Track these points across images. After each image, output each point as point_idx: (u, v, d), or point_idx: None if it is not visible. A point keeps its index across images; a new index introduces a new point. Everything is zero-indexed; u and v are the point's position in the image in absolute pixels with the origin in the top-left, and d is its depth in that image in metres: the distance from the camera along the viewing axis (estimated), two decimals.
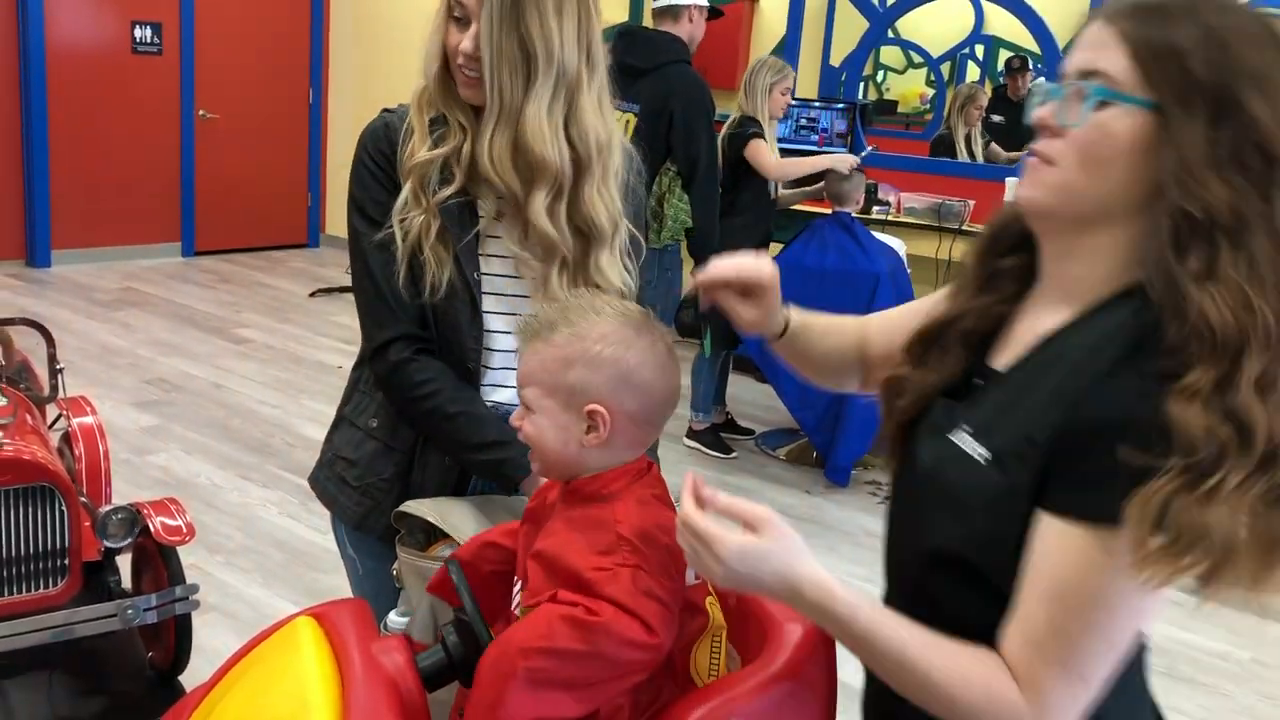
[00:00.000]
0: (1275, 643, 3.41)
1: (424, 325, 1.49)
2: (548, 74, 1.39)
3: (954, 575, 1.02)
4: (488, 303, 1.50)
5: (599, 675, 1.03)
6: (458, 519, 1.40)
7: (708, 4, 4.11)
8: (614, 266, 1.49)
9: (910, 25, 6.20)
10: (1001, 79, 6.20)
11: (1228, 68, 0.91)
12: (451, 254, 1.45)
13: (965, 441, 1.02)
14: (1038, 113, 1.00)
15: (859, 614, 0.97)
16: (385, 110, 1.55)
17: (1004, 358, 1.06)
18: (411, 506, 1.43)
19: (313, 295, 6.96)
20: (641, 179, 1.60)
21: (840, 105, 5.79)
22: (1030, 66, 5.93)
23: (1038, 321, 1.04)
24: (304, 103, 8.29)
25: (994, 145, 5.96)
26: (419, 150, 1.45)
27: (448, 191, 1.45)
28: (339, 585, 1.34)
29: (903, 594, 1.12)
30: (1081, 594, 0.92)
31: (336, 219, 8.30)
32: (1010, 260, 1.10)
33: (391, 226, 1.46)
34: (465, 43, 1.40)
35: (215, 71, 7.66)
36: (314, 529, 3.66)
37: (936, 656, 0.96)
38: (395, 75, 7.68)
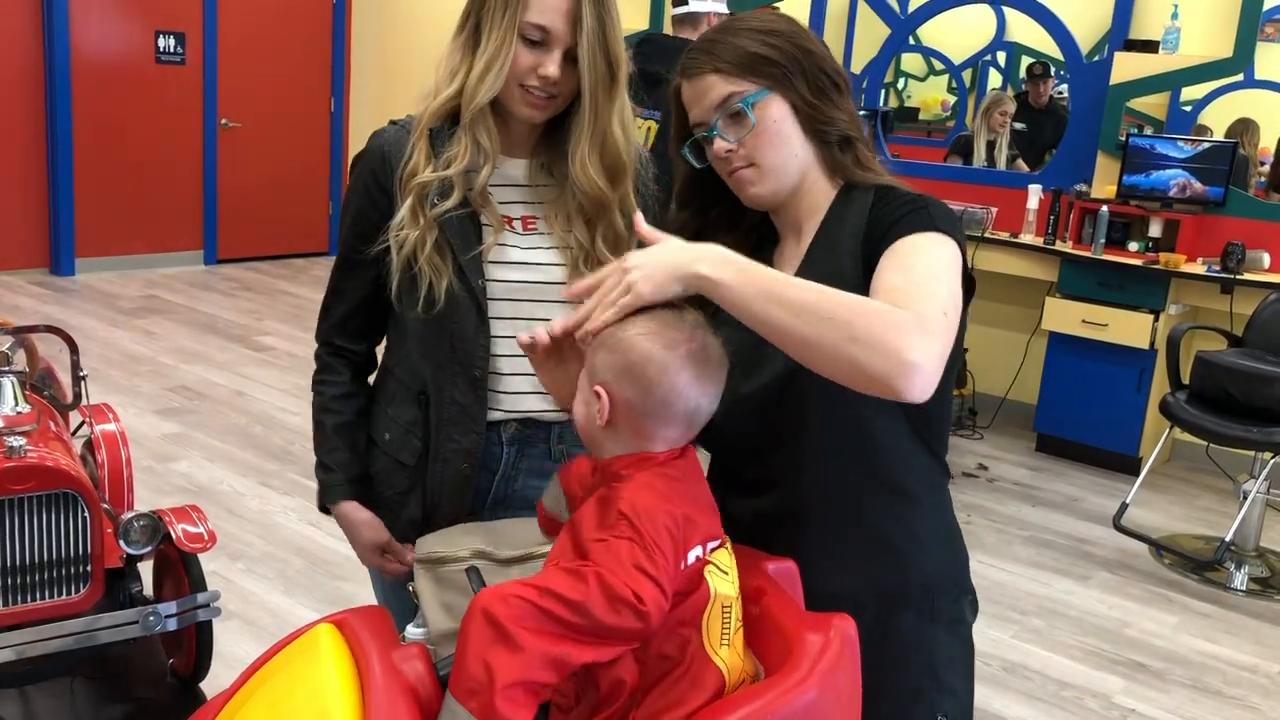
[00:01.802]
0: None
1: (358, 328, 1.64)
2: (620, 84, 1.50)
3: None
4: (495, 309, 1.52)
5: (586, 629, 1.03)
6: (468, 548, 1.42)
7: (727, 12, 4.10)
8: None
9: (932, 32, 6.19)
10: (1023, 85, 6.18)
11: (779, 47, 1.32)
12: (450, 265, 1.49)
13: None
14: (716, 149, 1.34)
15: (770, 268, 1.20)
16: (392, 122, 1.58)
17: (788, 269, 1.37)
18: (424, 544, 1.44)
19: None
20: (651, 178, 1.65)
21: (862, 112, 5.76)
22: (1053, 73, 5.90)
23: (799, 246, 1.39)
24: (325, 111, 8.34)
25: (1020, 160, 5.93)
26: (423, 169, 1.49)
27: (447, 205, 1.48)
28: (359, 593, 1.35)
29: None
30: (924, 264, 1.22)
31: None
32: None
33: (385, 241, 1.51)
34: (549, 67, 1.45)
35: (238, 81, 7.71)
36: (335, 536, 3.66)
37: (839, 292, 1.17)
38: (416, 84, 7.68)
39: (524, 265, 1.53)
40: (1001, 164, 5.87)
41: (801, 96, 1.33)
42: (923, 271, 1.21)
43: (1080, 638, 3.36)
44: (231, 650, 2.67)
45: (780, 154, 1.34)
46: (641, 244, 1.24)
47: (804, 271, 1.34)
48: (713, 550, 1.17)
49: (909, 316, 1.12)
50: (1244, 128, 5.12)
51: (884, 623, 1.33)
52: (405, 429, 1.59)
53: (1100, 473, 4.86)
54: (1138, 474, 4.35)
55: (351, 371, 1.66)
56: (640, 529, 1.07)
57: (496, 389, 1.54)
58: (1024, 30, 5.80)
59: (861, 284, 1.24)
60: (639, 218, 1.28)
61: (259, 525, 3.72)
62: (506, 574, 1.36)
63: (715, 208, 1.45)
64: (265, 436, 4.56)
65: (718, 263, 1.16)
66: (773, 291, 1.14)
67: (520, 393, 1.55)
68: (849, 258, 1.30)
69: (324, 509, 1.69)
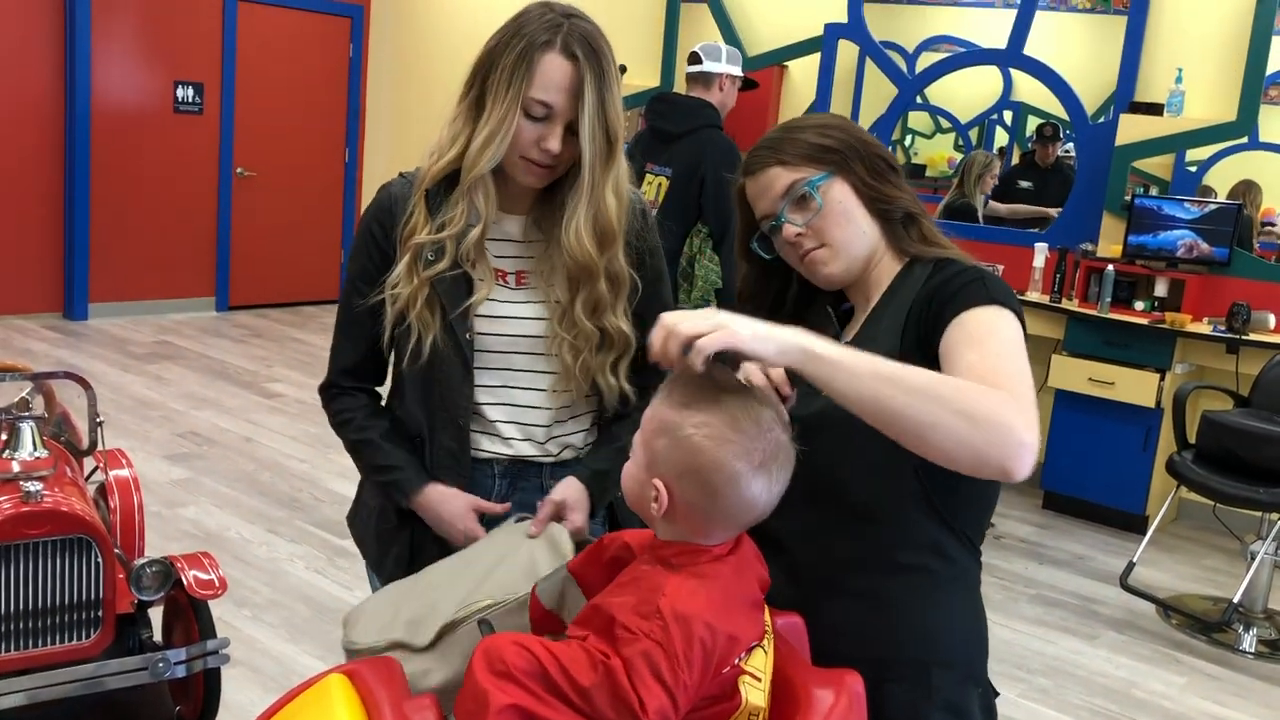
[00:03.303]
0: None
1: (365, 373, 1.70)
2: (618, 154, 1.56)
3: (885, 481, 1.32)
4: (483, 360, 1.60)
5: (585, 712, 1.03)
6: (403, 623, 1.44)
7: (740, 74, 4.18)
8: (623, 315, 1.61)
9: (939, 91, 6.27)
10: (1030, 144, 6.24)
11: (836, 137, 1.41)
12: (438, 320, 1.56)
13: None
14: (785, 234, 1.41)
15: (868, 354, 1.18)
16: (401, 175, 1.65)
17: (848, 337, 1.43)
18: (351, 625, 1.52)
19: None
20: (649, 229, 1.70)
21: None
22: (1061, 135, 5.97)
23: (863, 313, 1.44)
24: (339, 162, 8.44)
25: (992, 202, 6.01)
26: (420, 229, 1.56)
27: (439, 267, 1.55)
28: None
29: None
30: (996, 340, 1.24)
31: None
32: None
33: (380, 293, 1.59)
34: (552, 142, 1.51)
35: (254, 130, 7.82)
36: (341, 585, 3.67)
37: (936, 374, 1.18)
38: (430, 136, 7.79)
39: (513, 319, 1.60)
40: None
41: (861, 179, 1.41)
42: (997, 348, 1.23)
43: (1088, 698, 3.34)
44: (235, 698, 2.67)
45: (847, 231, 1.40)
46: (650, 300, 1.26)
47: (853, 343, 1.34)
48: (751, 652, 1.15)
49: (1009, 396, 1.13)
50: (1247, 189, 5.17)
51: (873, 693, 1.28)
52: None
53: (1107, 531, 4.86)
54: (1144, 533, 4.34)
55: (368, 396, 1.73)
56: (672, 636, 1.05)
57: (486, 432, 1.62)
58: (1030, 90, 5.87)
59: (894, 353, 1.27)
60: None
61: (265, 572, 3.72)
62: (426, 656, 1.38)
63: (783, 305, 1.51)
64: (273, 483, 4.58)
65: (820, 341, 1.14)
66: (881, 371, 1.13)
67: (509, 438, 1.63)
68: (892, 324, 1.34)
69: (405, 507, 1.66)
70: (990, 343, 1.24)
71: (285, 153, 8.04)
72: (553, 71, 1.48)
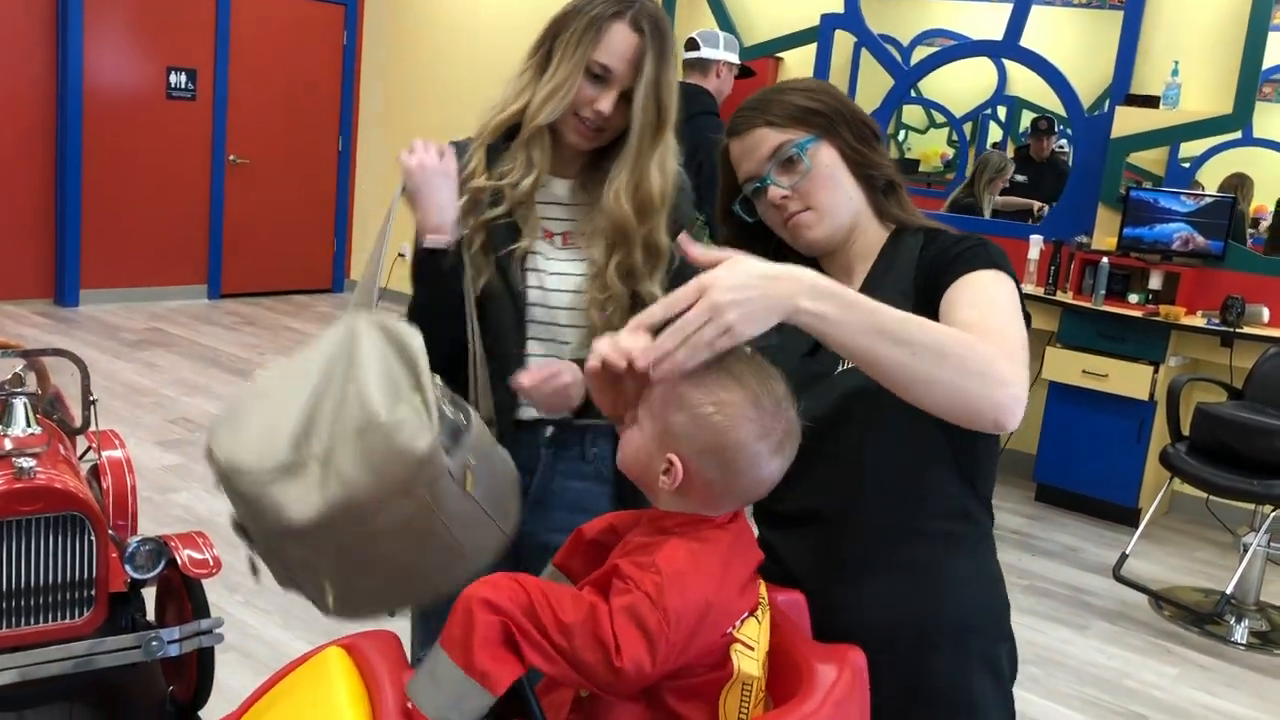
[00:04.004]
0: None
1: None
2: (666, 131, 1.63)
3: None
4: (530, 314, 1.66)
5: (565, 651, 1.02)
6: None
7: (737, 62, 4.16)
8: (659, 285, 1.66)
9: (933, 85, 6.26)
10: (1025, 139, 6.24)
11: (823, 100, 1.40)
12: (492, 263, 1.64)
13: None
14: (771, 197, 1.39)
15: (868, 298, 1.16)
16: (453, 143, 1.69)
17: None
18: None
19: None
20: (686, 202, 1.77)
21: None
22: (1056, 129, 5.97)
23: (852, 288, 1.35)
24: (333, 150, 8.41)
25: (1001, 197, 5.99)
26: (479, 175, 1.66)
27: (495, 212, 1.64)
28: (358, 627, 1.34)
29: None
30: (994, 300, 1.26)
31: (362, 265, 8.38)
32: None
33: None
34: (604, 103, 1.60)
35: (247, 118, 7.79)
36: None
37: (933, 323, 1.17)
38: (423, 124, 7.79)
39: (556, 276, 1.66)
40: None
41: (848, 143, 1.40)
42: (994, 308, 1.24)
43: (1079, 688, 3.34)
44: (227, 681, 2.65)
45: (834, 196, 1.39)
46: (683, 271, 1.24)
47: None
48: (743, 622, 1.15)
49: (1000, 350, 1.15)
50: (1239, 183, 5.17)
51: (915, 661, 1.32)
52: None
53: (1099, 523, 4.86)
54: (1136, 525, 4.35)
55: None
56: (665, 592, 1.04)
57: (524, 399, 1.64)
58: (1025, 84, 5.86)
59: None
60: (685, 238, 1.28)
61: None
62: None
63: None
64: None
65: (818, 294, 1.11)
66: (877, 324, 1.12)
67: None
68: (900, 296, 1.31)
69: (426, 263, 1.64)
70: (988, 303, 1.25)
71: (278, 140, 8.01)
72: (619, 40, 1.58)
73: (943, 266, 1.32)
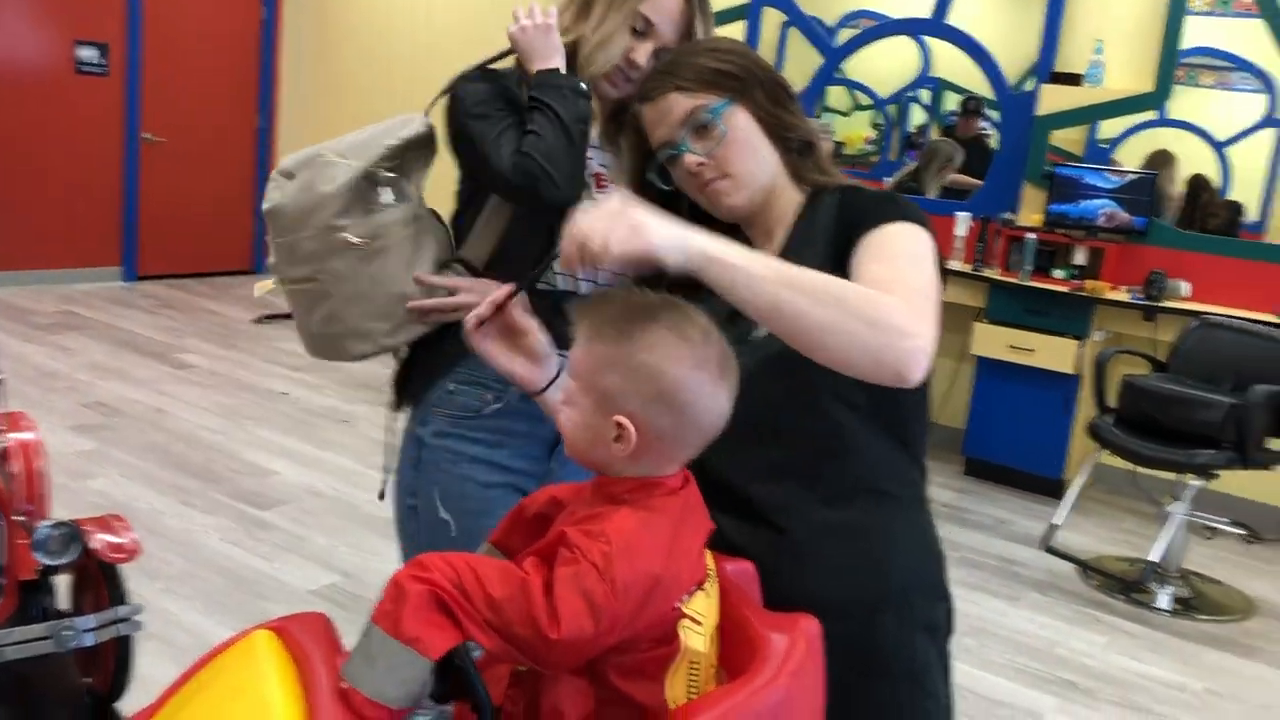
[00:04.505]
0: (1225, 672, 3.43)
1: None
2: None
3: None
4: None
5: (498, 626, 0.98)
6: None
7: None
8: None
9: (857, 67, 6.27)
10: (951, 119, 6.28)
11: (734, 62, 1.36)
12: None
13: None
14: (687, 164, 1.35)
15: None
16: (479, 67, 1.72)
17: None
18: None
19: (258, 321, 6.83)
20: None
21: None
22: (983, 111, 6.01)
23: (772, 252, 1.37)
24: (252, 127, 8.18)
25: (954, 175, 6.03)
26: None
27: None
28: (284, 612, 1.28)
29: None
30: (903, 253, 1.24)
31: None
32: None
33: None
34: (640, 55, 1.63)
35: (161, 94, 7.53)
36: (258, 555, 3.55)
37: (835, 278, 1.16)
38: (345, 98, 7.62)
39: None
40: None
41: (761, 106, 1.36)
42: (903, 260, 1.22)
43: (1011, 657, 3.38)
44: (149, 671, 2.55)
45: (750, 161, 1.36)
46: None
47: None
48: (692, 596, 1.10)
49: (902, 300, 1.13)
50: (1163, 159, 5.25)
51: (866, 628, 1.31)
52: None
53: (1027, 495, 4.93)
54: (1061, 497, 4.42)
55: None
56: (614, 562, 0.99)
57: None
58: (949, 66, 5.89)
59: None
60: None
61: (179, 544, 3.58)
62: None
63: None
64: (186, 454, 4.42)
65: (719, 242, 1.12)
66: (783, 274, 1.11)
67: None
68: (820, 258, 1.29)
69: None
70: (896, 256, 1.23)
71: (195, 118, 7.75)
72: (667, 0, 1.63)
73: (856, 222, 1.29)
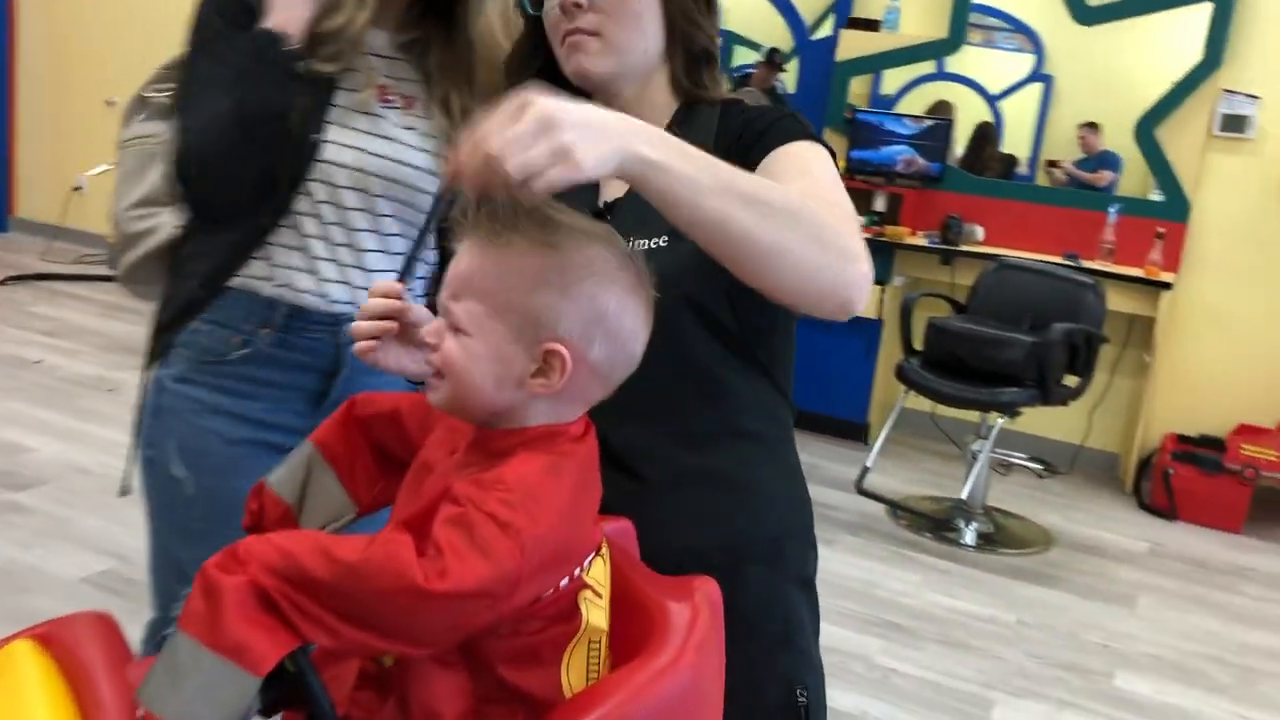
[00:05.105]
0: (1032, 604, 3.53)
1: None
2: None
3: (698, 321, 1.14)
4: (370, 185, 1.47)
5: (339, 601, 0.77)
6: None
7: None
8: None
9: None
10: (746, 70, 6.24)
11: None
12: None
13: (640, 243, 1.12)
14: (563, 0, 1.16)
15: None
16: None
17: (610, 192, 1.19)
18: None
19: (3, 283, 6.13)
20: None
21: None
22: (783, 65, 5.98)
23: None
24: None
25: None
26: None
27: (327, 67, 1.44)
28: (55, 609, 1.02)
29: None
30: (825, 174, 1.11)
31: (29, 202, 7.38)
32: None
33: None
34: None
35: None
36: (15, 543, 3.12)
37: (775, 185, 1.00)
38: (88, 44, 6.91)
39: (390, 142, 1.43)
40: None
41: None
42: (828, 180, 1.09)
43: (834, 600, 3.36)
44: None
45: (632, 36, 1.18)
46: None
47: (623, 207, 1.19)
48: (591, 562, 0.92)
49: (850, 219, 1.01)
50: (944, 109, 5.37)
51: (731, 580, 1.13)
52: None
53: (833, 440, 4.98)
54: (866, 440, 4.46)
55: None
56: (517, 511, 0.80)
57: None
58: (739, 19, 5.79)
59: None
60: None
61: None
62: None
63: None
64: None
65: (655, 140, 0.89)
66: (724, 180, 0.92)
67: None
68: None
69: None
70: (819, 175, 1.10)
71: None
72: None
73: (751, 139, 1.14)
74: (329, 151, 1.38)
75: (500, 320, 0.88)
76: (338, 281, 1.43)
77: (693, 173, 0.90)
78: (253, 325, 1.41)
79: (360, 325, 1.03)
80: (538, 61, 1.24)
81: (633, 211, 1.13)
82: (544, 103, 0.82)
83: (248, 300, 1.41)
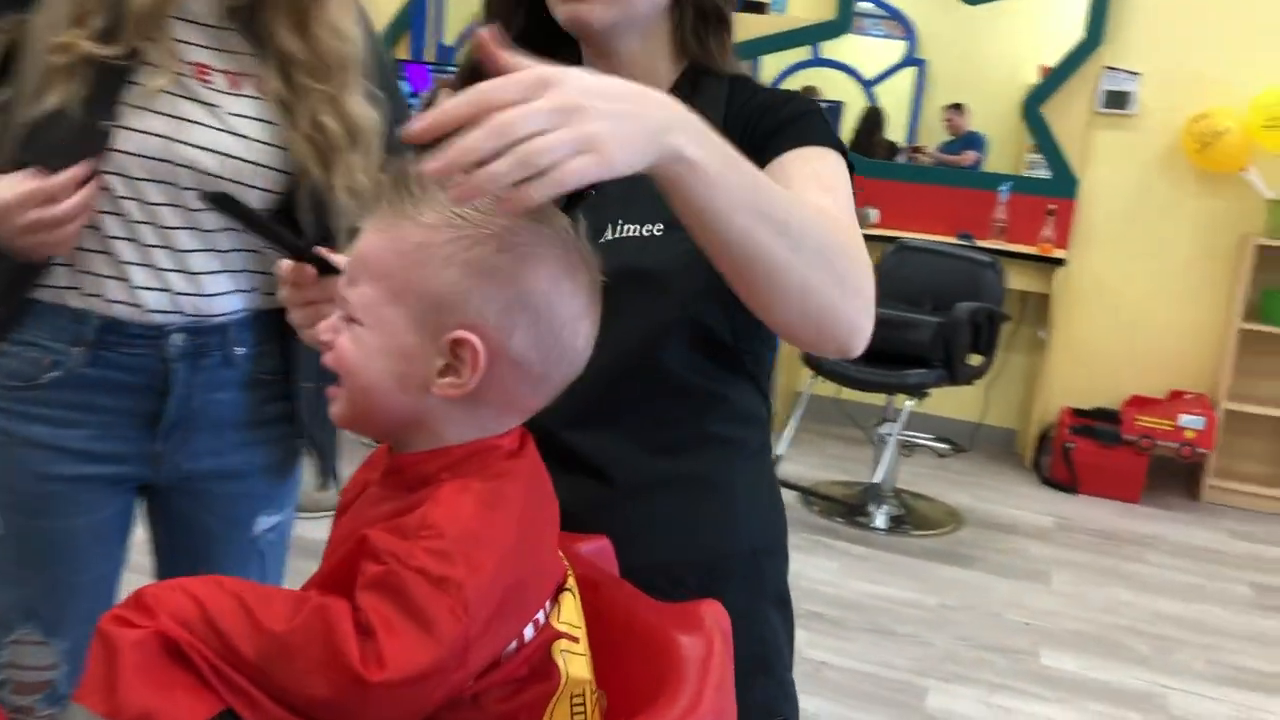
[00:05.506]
0: (951, 585, 3.52)
1: None
2: None
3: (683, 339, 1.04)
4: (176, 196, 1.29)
5: (266, 676, 0.64)
6: None
7: None
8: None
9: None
10: None
11: None
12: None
13: (628, 229, 1.02)
14: None
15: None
16: None
17: None
18: None
19: None
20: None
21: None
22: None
23: None
24: None
25: None
26: None
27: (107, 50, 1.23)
28: None
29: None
30: (845, 193, 1.01)
31: None
32: None
33: None
34: None
35: None
36: None
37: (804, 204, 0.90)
38: None
39: (219, 132, 1.25)
40: None
41: None
42: (844, 200, 0.99)
43: None
44: None
45: None
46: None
47: (612, 188, 1.05)
48: (557, 600, 0.80)
49: (867, 260, 0.91)
50: (813, 94, 5.38)
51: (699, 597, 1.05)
52: None
53: None
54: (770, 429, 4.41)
55: None
56: (453, 561, 0.66)
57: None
58: None
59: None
60: (487, 34, 0.75)
61: None
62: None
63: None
64: None
65: (698, 134, 0.74)
66: (761, 198, 0.78)
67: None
68: None
69: None
70: (840, 195, 1.00)
71: None
72: None
73: (769, 129, 1.04)
74: (123, 140, 1.19)
75: (398, 305, 0.73)
76: (155, 289, 1.25)
77: (734, 183, 0.76)
78: (63, 343, 1.24)
79: (294, 315, 0.93)
80: (515, 24, 1.09)
81: (619, 188, 1.00)
82: (573, 82, 0.67)
83: (54, 315, 1.24)
